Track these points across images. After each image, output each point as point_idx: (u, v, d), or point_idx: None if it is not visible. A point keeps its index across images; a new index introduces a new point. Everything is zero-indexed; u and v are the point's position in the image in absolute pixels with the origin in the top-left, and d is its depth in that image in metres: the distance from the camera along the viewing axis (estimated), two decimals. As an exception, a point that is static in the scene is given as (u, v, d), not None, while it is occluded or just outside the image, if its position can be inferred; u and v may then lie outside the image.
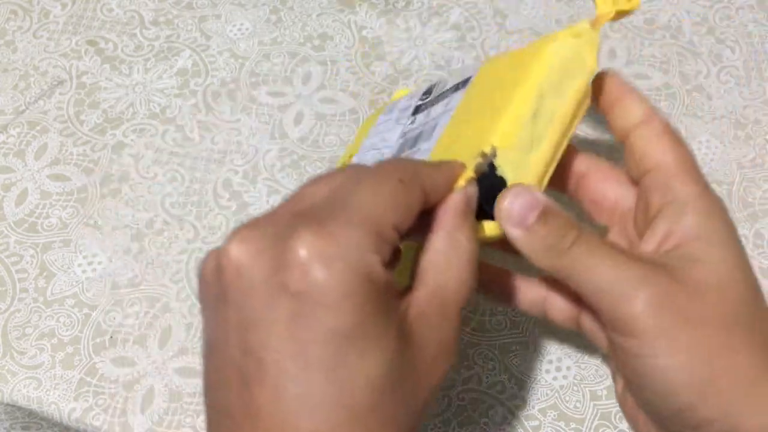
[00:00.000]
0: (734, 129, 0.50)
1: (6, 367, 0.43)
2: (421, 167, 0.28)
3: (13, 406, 0.42)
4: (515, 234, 0.29)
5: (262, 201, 0.48)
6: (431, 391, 0.26)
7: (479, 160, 0.31)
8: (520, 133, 0.31)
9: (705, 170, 0.49)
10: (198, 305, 0.44)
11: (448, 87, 0.39)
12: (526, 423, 0.40)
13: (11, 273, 0.46)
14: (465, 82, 0.38)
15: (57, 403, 0.42)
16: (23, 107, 0.53)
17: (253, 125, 0.51)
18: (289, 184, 0.49)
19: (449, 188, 0.29)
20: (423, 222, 0.28)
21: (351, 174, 0.27)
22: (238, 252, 0.25)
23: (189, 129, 0.51)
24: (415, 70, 0.54)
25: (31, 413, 0.42)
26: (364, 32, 0.56)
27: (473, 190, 0.30)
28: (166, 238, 0.47)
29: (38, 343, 0.43)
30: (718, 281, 0.28)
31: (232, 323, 0.25)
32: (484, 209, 0.31)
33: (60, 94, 0.53)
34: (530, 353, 0.42)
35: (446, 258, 0.28)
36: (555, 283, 0.33)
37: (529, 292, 0.34)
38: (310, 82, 0.53)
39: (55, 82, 0.54)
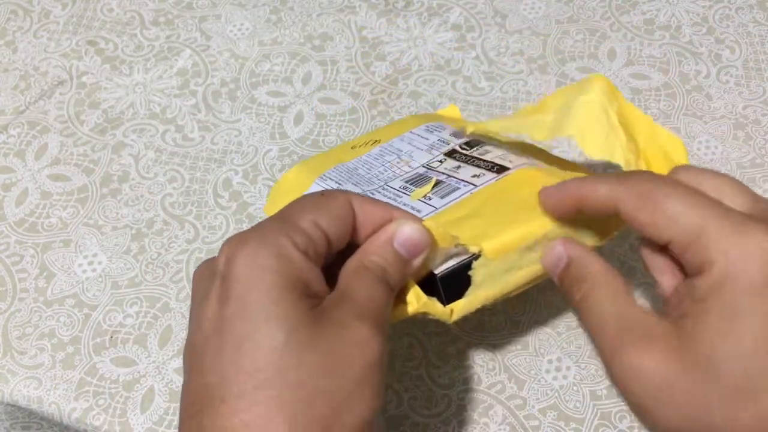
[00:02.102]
0: (734, 129, 0.50)
1: (6, 367, 0.43)
2: (353, 194, 0.32)
3: (14, 405, 0.42)
4: (552, 278, 0.33)
5: (262, 201, 0.48)
6: (351, 381, 0.27)
7: (459, 248, 0.33)
8: (510, 256, 0.34)
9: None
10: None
11: (487, 156, 0.40)
12: (526, 423, 0.40)
13: (11, 273, 0.46)
14: (502, 170, 0.38)
15: (57, 403, 0.42)
16: (23, 107, 0.53)
17: (253, 125, 0.51)
18: (289, 184, 0.49)
19: (383, 220, 0.32)
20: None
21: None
22: (197, 269, 0.31)
23: (189, 129, 0.51)
24: (415, 70, 0.54)
25: (31, 413, 0.42)
26: (364, 32, 0.56)
27: (404, 232, 0.32)
28: (166, 238, 0.47)
29: (38, 343, 0.43)
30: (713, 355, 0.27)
31: (191, 315, 0.30)
32: (438, 287, 0.33)
33: (60, 94, 0.53)
34: (530, 353, 0.42)
35: (356, 273, 0.30)
36: None
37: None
38: (310, 82, 0.53)
39: (56, 82, 0.54)
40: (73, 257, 0.46)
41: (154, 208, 0.48)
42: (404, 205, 0.37)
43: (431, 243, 0.32)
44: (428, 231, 0.32)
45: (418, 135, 0.44)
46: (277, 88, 0.53)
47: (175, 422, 0.41)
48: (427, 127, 0.45)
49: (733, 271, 0.26)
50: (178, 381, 0.42)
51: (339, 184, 0.41)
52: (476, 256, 0.33)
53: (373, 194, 0.39)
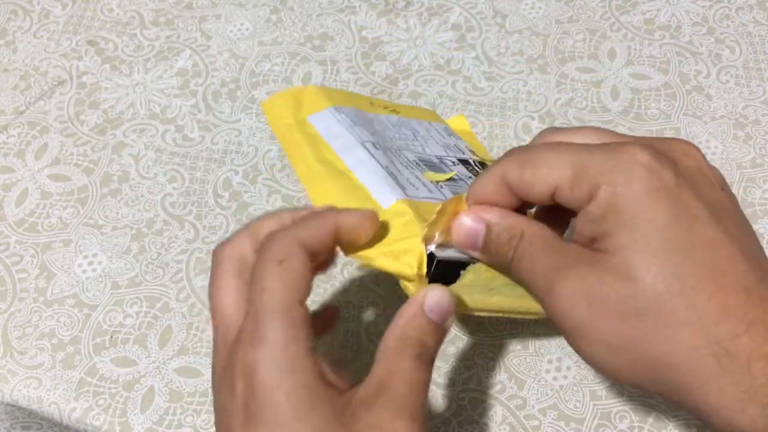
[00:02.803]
0: (734, 129, 0.50)
1: (6, 367, 0.43)
2: (298, 232, 0.30)
3: (14, 405, 0.42)
4: (477, 255, 0.32)
5: (262, 201, 0.48)
6: None
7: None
8: (499, 279, 0.33)
9: (705, 170, 0.49)
10: (198, 304, 0.45)
11: None
12: (526, 423, 0.40)
13: (11, 273, 0.46)
14: None
15: (57, 402, 0.42)
16: (24, 107, 0.53)
17: (253, 125, 0.51)
18: (289, 184, 0.49)
19: (330, 231, 0.31)
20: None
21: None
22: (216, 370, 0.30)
23: (189, 129, 0.51)
24: (415, 70, 0.54)
25: (31, 413, 0.42)
26: (364, 32, 0.56)
27: (434, 297, 0.31)
28: (166, 238, 0.47)
29: (38, 343, 0.43)
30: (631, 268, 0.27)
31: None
32: (430, 268, 0.33)
33: (60, 94, 0.53)
34: (530, 353, 0.42)
35: (396, 353, 0.29)
36: None
37: None
38: (310, 82, 0.53)
39: (56, 82, 0.54)
40: (73, 257, 0.46)
41: (154, 208, 0.48)
42: (417, 178, 0.37)
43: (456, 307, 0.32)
44: (452, 297, 0.31)
45: (437, 130, 0.44)
46: (277, 88, 0.53)
47: (175, 422, 0.41)
48: (446, 128, 0.45)
49: (618, 186, 0.27)
50: (178, 381, 0.42)
51: (353, 123, 0.40)
52: (474, 261, 0.33)
53: (386, 151, 0.39)
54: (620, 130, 0.50)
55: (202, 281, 0.45)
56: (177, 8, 0.58)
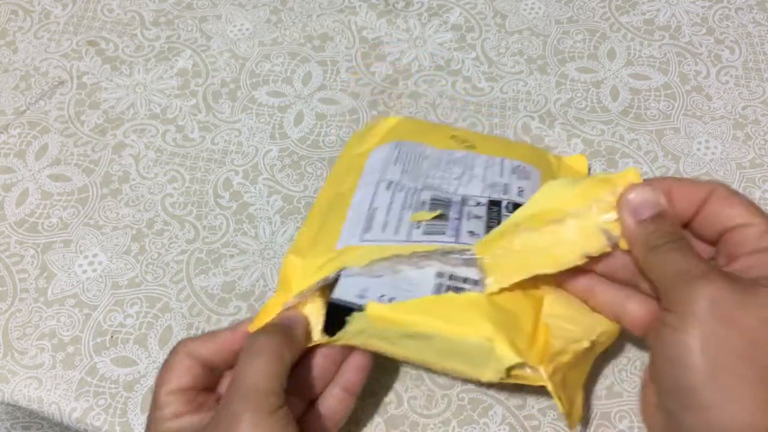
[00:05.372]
0: (733, 129, 0.50)
1: (7, 367, 0.43)
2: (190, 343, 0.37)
3: (14, 405, 0.42)
4: (627, 221, 0.33)
5: (262, 201, 0.48)
6: None
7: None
8: (390, 330, 0.35)
9: (704, 170, 0.49)
10: (198, 304, 0.45)
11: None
12: (526, 423, 0.40)
13: (12, 273, 0.46)
14: None
15: (58, 402, 0.42)
16: (24, 107, 0.53)
17: (253, 125, 0.52)
18: (289, 184, 0.49)
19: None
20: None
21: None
22: None
23: (189, 129, 0.52)
24: (415, 70, 0.54)
25: (31, 413, 0.42)
26: (364, 32, 0.56)
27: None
28: (166, 238, 0.47)
29: (39, 343, 0.43)
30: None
31: None
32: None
33: (61, 94, 0.53)
34: (530, 353, 0.42)
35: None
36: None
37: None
38: (310, 82, 0.54)
39: (56, 83, 0.54)
40: (73, 257, 0.46)
41: (154, 208, 0.48)
42: (399, 219, 0.39)
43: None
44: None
45: (500, 167, 0.43)
46: (277, 88, 0.53)
47: (176, 422, 0.41)
48: (518, 167, 0.43)
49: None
50: (179, 381, 0.42)
51: (396, 159, 0.43)
52: (362, 309, 0.35)
53: (398, 192, 0.41)
54: (620, 130, 0.50)
55: (203, 281, 0.45)
56: (177, 8, 0.58)
